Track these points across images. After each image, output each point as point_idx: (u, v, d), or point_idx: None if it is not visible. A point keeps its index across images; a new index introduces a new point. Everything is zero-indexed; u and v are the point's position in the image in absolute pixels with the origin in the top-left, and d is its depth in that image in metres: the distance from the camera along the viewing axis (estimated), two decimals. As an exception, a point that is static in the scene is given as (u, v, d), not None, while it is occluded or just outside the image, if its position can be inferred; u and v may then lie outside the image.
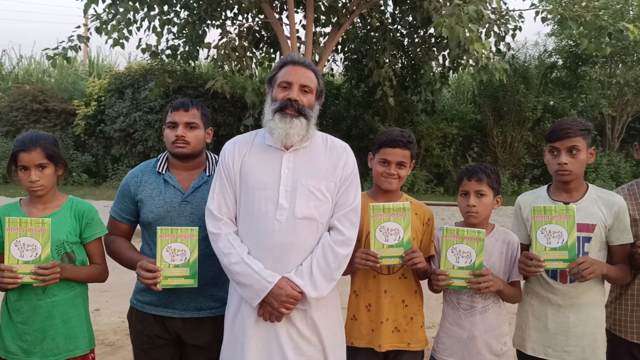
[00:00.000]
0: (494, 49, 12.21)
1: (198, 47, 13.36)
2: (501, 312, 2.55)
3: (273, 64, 15.18)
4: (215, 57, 12.17)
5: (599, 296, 2.53)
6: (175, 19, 12.72)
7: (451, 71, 14.47)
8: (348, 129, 15.66)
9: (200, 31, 12.59)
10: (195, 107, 2.64)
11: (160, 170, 2.64)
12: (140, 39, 12.10)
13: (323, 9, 12.78)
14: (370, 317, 2.59)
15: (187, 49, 13.33)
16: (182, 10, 12.76)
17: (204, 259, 2.46)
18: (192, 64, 14.52)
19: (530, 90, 15.18)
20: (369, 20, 13.01)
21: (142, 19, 12.00)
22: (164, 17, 12.17)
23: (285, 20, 12.81)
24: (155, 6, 11.93)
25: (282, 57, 2.46)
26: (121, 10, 11.51)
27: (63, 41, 12.05)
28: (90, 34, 12.09)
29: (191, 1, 12.45)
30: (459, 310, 2.55)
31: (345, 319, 2.65)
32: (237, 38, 12.98)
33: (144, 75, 15.26)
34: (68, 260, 2.47)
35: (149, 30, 12.03)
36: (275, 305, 2.24)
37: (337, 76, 17.34)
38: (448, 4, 9.77)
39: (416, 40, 14.02)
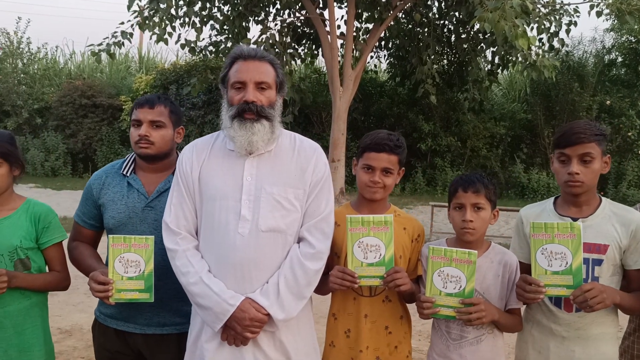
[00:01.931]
0: (546, 45, 11.62)
1: (240, 43, 13.31)
2: (496, 343, 2.22)
3: (316, 60, 15.05)
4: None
5: (611, 328, 2.17)
6: (218, 15, 12.71)
7: (500, 68, 13.91)
8: (391, 127, 15.28)
9: (242, 27, 12.50)
10: (163, 104, 2.42)
11: (124, 172, 2.43)
12: (179, 35, 12.10)
13: (365, 4, 12.44)
14: (350, 344, 2.30)
15: (228, 45, 13.31)
16: (224, 5, 12.74)
17: (168, 270, 2.23)
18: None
19: (585, 88, 14.38)
20: (413, 15, 12.61)
21: (183, 15, 12.02)
22: (204, 13, 12.14)
23: (326, 15, 12.56)
24: (196, 1, 11.96)
25: (231, 51, 2.18)
26: (162, 6, 11.57)
27: (107, 37, 12.25)
28: (134, 30, 12.24)
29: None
30: (448, 340, 2.23)
31: (324, 344, 2.38)
32: (277, 34, 12.86)
33: (189, 71, 15.35)
34: (22, 267, 2.31)
35: (188, 26, 12.06)
36: (239, 330, 2.00)
37: (382, 73, 16.96)
38: (493, -3, 9.29)
39: (463, 36, 13.51)
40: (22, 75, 16.81)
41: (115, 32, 12.07)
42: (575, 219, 2.17)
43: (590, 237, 2.13)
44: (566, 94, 14.49)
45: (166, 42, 12.42)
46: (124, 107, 16.27)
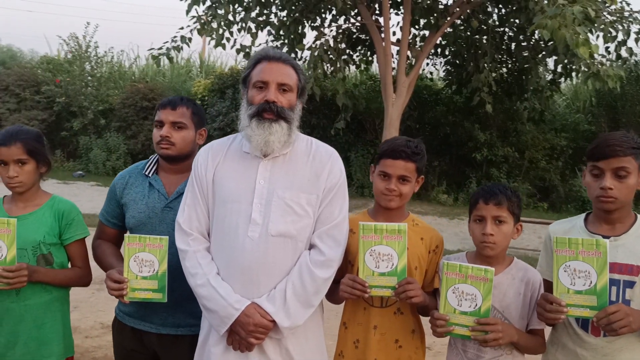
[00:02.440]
0: (613, 54, 11.10)
1: (295, 49, 13.40)
2: (516, 364, 2.10)
3: (371, 66, 14.96)
4: (307, 59, 12.13)
5: (643, 357, 2.01)
6: (274, 21, 12.85)
7: (563, 77, 13.39)
8: (446, 136, 14.99)
9: (296, 33, 12.58)
10: (185, 105, 2.44)
11: (147, 173, 2.46)
12: (235, 40, 12.30)
13: (422, 10, 12.27)
14: (358, 356, 2.24)
15: (284, 50, 13.43)
16: (281, 11, 12.86)
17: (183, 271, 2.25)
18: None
19: (655, 100, 13.63)
20: (470, 22, 12.34)
21: (240, 21, 12.22)
22: (260, 19, 12.29)
23: (382, 22, 12.47)
24: (253, 8, 12.13)
25: (255, 52, 2.17)
26: (220, 12, 11.81)
27: (167, 42, 12.61)
28: (192, 35, 12.54)
29: (288, 3, 12.49)
30: (464, 359, 2.13)
31: (334, 353, 2.32)
32: (332, 40, 12.87)
33: (246, 76, 15.58)
34: (44, 262, 2.37)
35: (245, 32, 12.24)
36: (243, 335, 1.98)
37: (438, 81, 16.68)
38: (552, 5, 8.95)
39: (523, 43, 13.10)
40: (89, 77, 17.52)
41: (174, 37, 12.39)
42: (606, 238, 2.02)
43: (622, 257, 1.99)
44: (634, 106, 13.78)
45: (224, 47, 12.65)
46: (183, 110, 16.69)
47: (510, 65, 14.29)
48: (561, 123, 15.26)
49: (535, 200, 14.44)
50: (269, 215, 2.03)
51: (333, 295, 2.20)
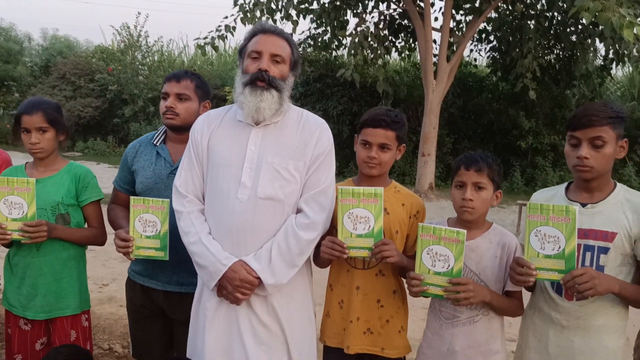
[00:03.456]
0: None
1: (338, 36, 13.46)
2: (492, 325, 2.16)
3: (414, 53, 14.87)
4: (348, 45, 12.19)
5: (616, 321, 2.03)
6: (316, 7, 12.94)
7: (614, 63, 12.95)
8: (490, 123, 14.77)
9: (338, 20, 12.63)
10: (189, 78, 2.59)
11: (155, 142, 2.64)
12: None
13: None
14: (342, 315, 2.36)
15: (325, 38, 13.52)
16: (322, -2, 12.94)
17: None
18: (334, 53, 14.69)
19: None
20: (513, 7, 12.09)
21: (282, 9, 12.38)
22: (302, 7, 12.41)
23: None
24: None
25: (253, 26, 2.30)
26: (262, 0, 12.01)
27: (212, 31, 12.93)
28: (236, 23, 12.81)
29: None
30: (440, 319, 2.21)
31: (322, 314, 2.45)
32: (374, 26, 12.87)
33: (289, 64, 15.77)
34: (62, 221, 2.58)
35: (286, 20, 12.39)
36: (229, 289, 2.11)
37: (483, 67, 16.39)
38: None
39: (571, 28, 12.73)
40: (139, 66, 18.13)
41: (219, 26, 12.70)
42: (584, 205, 2.07)
43: (598, 223, 2.02)
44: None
45: (267, 35, 12.88)
46: (227, 97, 17.06)
47: (558, 51, 13.93)
48: (612, 111, 14.74)
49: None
50: (258, 180, 2.15)
51: (318, 258, 2.32)
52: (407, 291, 2.14)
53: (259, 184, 2.15)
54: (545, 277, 1.94)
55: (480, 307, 2.14)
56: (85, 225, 2.69)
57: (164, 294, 2.57)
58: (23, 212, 2.41)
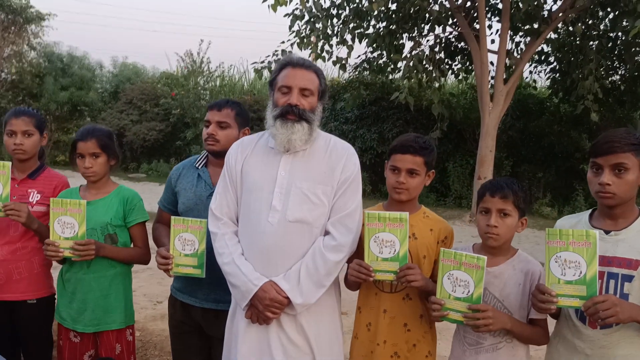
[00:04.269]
0: None
1: (393, 60, 13.55)
2: (516, 353, 2.16)
3: (470, 75, 14.75)
4: (402, 68, 12.25)
5: (642, 351, 2.00)
6: (371, 32, 13.10)
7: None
8: (551, 146, 14.37)
9: (391, 44, 12.73)
10: (230, 107, 2.75)
11: (197, 166, 2.81)
12: (331, 52, 12.68)
13: (522, 17, 11.94)
14: (370, 338, 2.41)
15: (380, 61, 13.64)
16: (380, 23, 13.09)
17: None
18: (390, 77, 14.78)
19: None
20: (574, 27, 11.83)
21: (336, 34, 12.60)
22: (356, 31, 12.59)
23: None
24: (351, 21, 12.48)
25: (281, 58, 2.43)
26: (318, 26, 12.28)
27: (268, 55, 13.30)
28: (292, 48, 13.13)
29: (386, 14, 12.70)
30: (464, 345, 2.23)
31: (351, 335, 2.51)
32: (429, 49, 12.88)
33: (345, 87, 15.97)
34: (110, 241, 2.77)
35: (341, 45, 12.59)
36: (260, 309, 2.22)
37: (543, 89, 16.02)
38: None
39: (636, 48, 12.30)
40: (202, 91, 18.81)
41: (275, 51, 13.05)
42: (608, 232, 2.05)
43: (622, 251, 2.00)
44: None
45: (324, 60, 13.14)
46: (285, 120, 17.41)
47: (622, 72, 13.48)
48: (683, 133, 14.07)
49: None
50: (288, 203, 2.27)
51: (348, 281, 2.40)
52: (429, 314, 2.18)
53: (289, 208, 2.26)
54: (566, 303, 1.93)
55: (503, 334, 2.15)
56: (132, 245, 2.87)
57: (202, 310, 2.70)
58: (74, 231, 2.61)
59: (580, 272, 1.91)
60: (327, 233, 2.30)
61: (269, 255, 2.26)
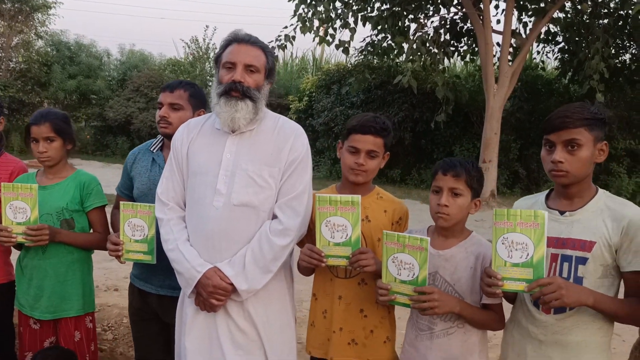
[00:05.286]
0: None
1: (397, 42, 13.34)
2: (468, 339, 2.06)
3: (477, 57, 14.49)
4: (405, 51, 12.06)
5: (597, 337, 1.88)
6: (374, 14, 12.89)
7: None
8: (559, 128, 14.08)
9: (394, 25, 12.52)
10: (182, 88, 2.66)
11: (152, 149, 2.73)
12: (333, 36, 12.51)
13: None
14: (326, 325, 2.32)
15: (384, 45, 13.44)
16: (382, 4, 12.87)
17: None
18: (395, 60, 14.56)
19: None
20: (580, 6, 11.51)
21: (338, 17, 12.41)
22: (359, 14, 12.40)
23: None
24: (353, 3, 12.29)
25: (227, 35, 2.32)
26: (319, 9, 12.11)
27: (272, 40, 13.17)
28: (296, 33, 12.99)
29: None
30: (417, 330, 2.13)
31: (307, 324, 2.43)
32: (433, 31, 12.66)
33: (350, 71, 15.81)
34: (67, 226, 2.71)
35: (343, 28, 12.42)
36: (204, 296, 2.15)
37: (551, 70, 15.70)
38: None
39: (645, 26, 11.97)
40: (207, 77, 18.75)
41: (279, 36, 12.93)
42: (563, 212, 1.95)
43: (576, 232, 1.90)
44: None
45: (328, 44, 12.99)
46: (290, 106, 17.31)
47: (634, 50, 13.14)
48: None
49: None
50: (233, 186, 2.18)
51: (300, 266, 2.31)
52: (376, 299, 2.09)
53: (234, 191, 2.17)
54: (512, 287, 1.83)
55: (454, 319, 2.05)
56: (91, 231, 2.81)
57: (158, 297, 2.64)
58: (27, 216, 2.55)
59: (527, 254, 1.80)
60: (274, 217, 2.22)
61: (214, 240, 2.18)
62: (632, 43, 12.89)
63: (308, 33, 12.70)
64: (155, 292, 2.64)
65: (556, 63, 14.81)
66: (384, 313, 2.30)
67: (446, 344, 2.06)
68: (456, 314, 2.00)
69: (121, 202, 2.47)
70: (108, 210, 2.86)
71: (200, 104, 2.72)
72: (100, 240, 2.79)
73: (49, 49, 20.48)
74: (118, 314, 4.70)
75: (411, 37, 11.99)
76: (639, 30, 11.78)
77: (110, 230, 2.82)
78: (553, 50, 14.05)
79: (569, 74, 13.98)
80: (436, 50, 12.32)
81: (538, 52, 14.36)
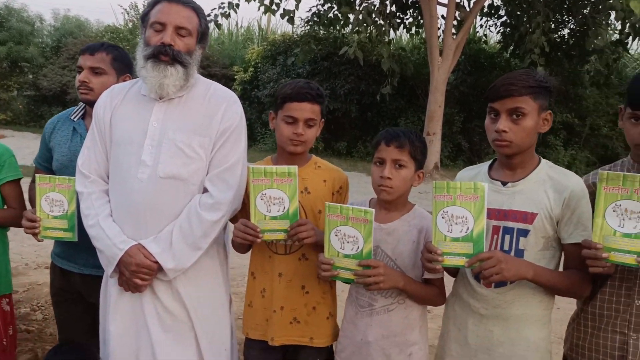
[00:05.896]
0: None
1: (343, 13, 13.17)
2: (409, 314, 2.00)
3: (421, 30, 14.52)
4: (352, 22, 11.94)
5: (537, 310, 1.86)
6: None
7: (630, 37, 12.45)
8: (501, 101, 14.36)
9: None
10: (105, 51, 2.45)
11: (73, 118, 2.52)
12: (278, 4, 12.23)
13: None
14: (265, 305, 2.20)
15: (330, 15, 13.24)
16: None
17: None
18: (342, 30, 14.40)
19: None
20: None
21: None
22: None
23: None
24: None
25: None
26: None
27: (215, 8, 12.76)
28: (240, 1, 12.62)
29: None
30: (357, 307, 2.06)
31: (244, 304, 2.31)
32: (379, 2, 12.56)
33: (297, 42, 15.55)
34: (-22, 203, 2.49)
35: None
36: (127, 275, 1.99)
37: (493, 43, 15.95)
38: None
39: (583, 1, 12.25)
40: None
41: (222, 3, 12.53)
42: (505, 183, 1.89)
43: (518, 204, 1.85)
44: None
45: (273, 12, 12.68)
46: (235, 77, 16.93)
47: (572, 26, 13.46)
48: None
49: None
50: (159, 157, 2.02)
51: (234, 243, 2.18)
52: (317, 274, 1.99)
53: (160, 162, 2.01)
54: (452, 262, 1.77)
55: (395, 295, 1.99)
56: (4, 207, 2.59)
57: (81, 277, 2.47)
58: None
59: (467, 228, 1.74)
60: (205, 190, 2.08)
61: (139, 215, 2.02)
62: (570, 18, 13.19)
63: (252, 1, 12.40)
64: (79, 271, 2.46)
65: (498, 37, 15.02)
66: (325, 288, 2.21)
67: (387, 321, 2.00)
68: (400, 289, 1.93)
69: (37, 175, 2.26)
70: (26, 184, 2.63)
71: (125, 68, 2.51)
72: (15, 216, 2.55)
73: (-25, 13, 19.20)
74: (48, 293, 4.44)
75: (357, 8, 11.84)
76: (577, 5, 12.04)
77: (28, 205, 2.60)
78: (496, 24, 14.23)
79: (511, 47, 14.22)
80: (382, 22, 12.27)
81: (481, 26, 14.54)
